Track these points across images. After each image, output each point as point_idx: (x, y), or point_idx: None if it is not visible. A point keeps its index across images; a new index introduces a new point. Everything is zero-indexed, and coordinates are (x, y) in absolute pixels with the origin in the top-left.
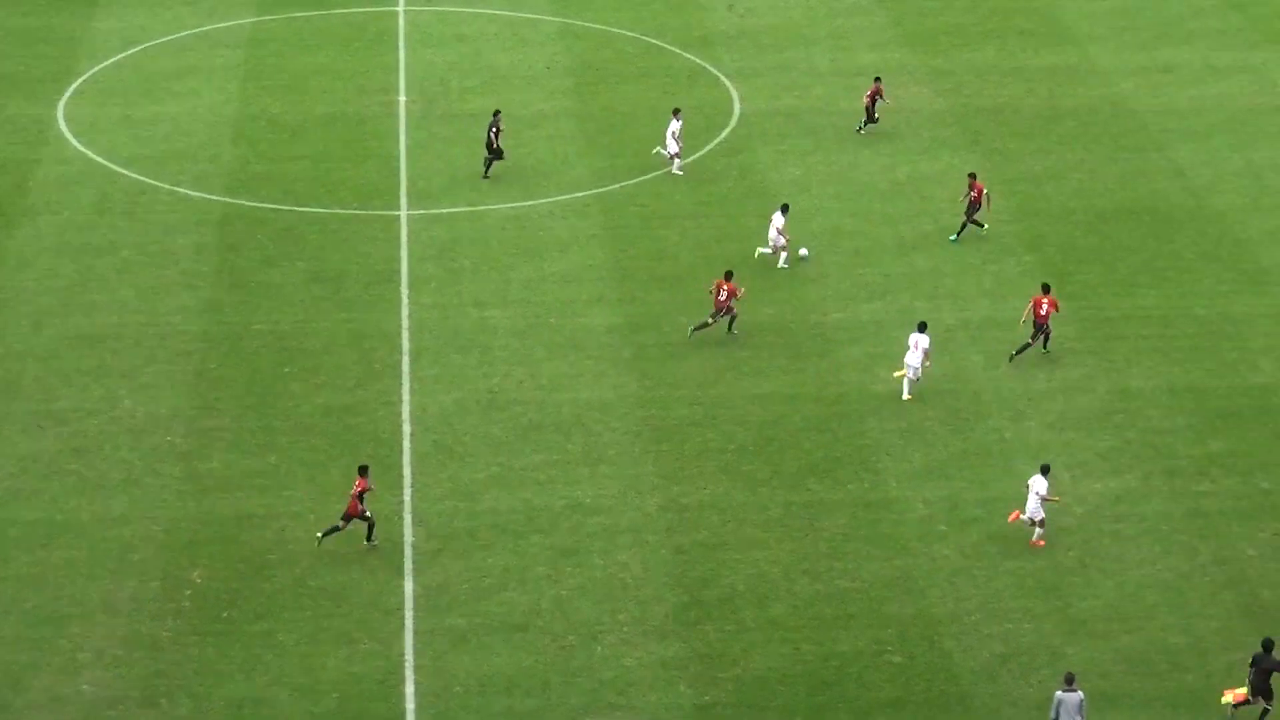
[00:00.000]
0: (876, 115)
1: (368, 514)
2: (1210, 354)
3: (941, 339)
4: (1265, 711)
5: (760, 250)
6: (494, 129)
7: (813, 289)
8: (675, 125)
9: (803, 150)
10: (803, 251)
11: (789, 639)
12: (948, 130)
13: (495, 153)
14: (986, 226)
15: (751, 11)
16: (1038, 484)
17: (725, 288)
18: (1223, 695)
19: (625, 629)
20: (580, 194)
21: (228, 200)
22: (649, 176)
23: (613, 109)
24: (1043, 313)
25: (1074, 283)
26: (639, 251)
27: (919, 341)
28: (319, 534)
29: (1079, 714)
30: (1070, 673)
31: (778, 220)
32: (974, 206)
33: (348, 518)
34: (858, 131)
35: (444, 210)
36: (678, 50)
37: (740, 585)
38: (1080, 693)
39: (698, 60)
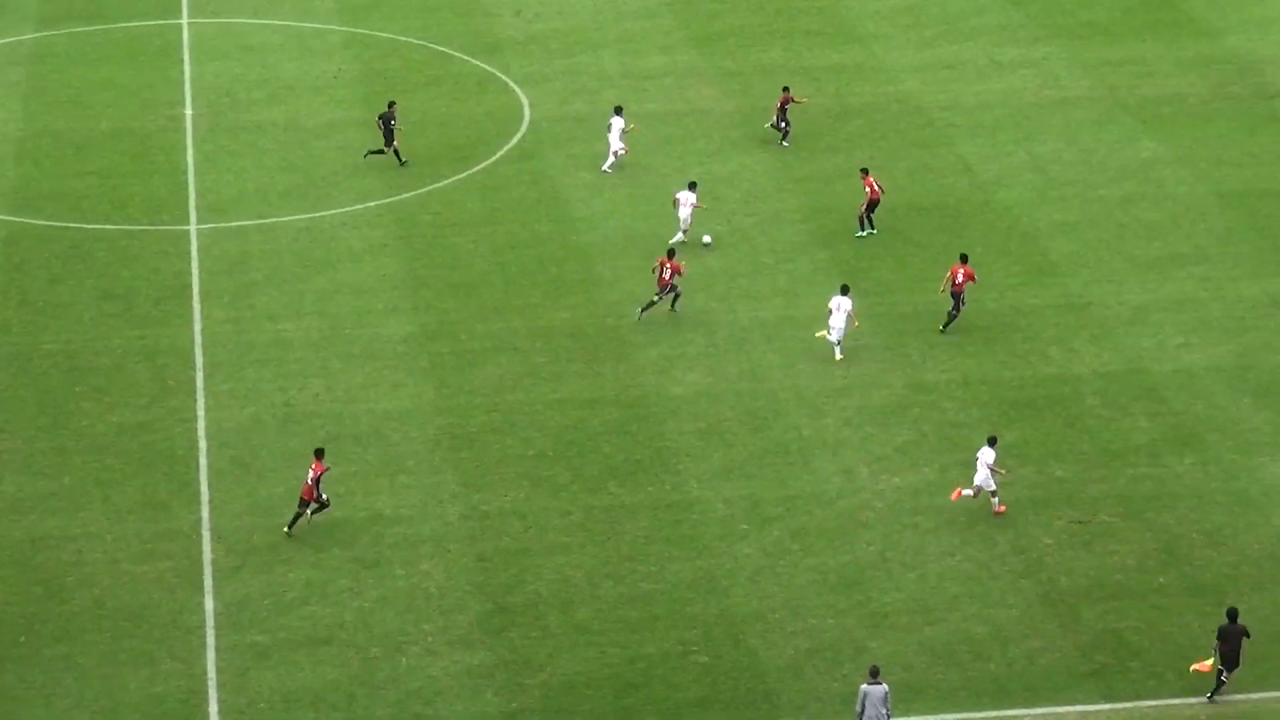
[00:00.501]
0: (787, 122)
1: (324, 497)
2: (1002, 346)
3: (737, 339)
4: (1221, 682)
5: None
6: (391, 119)
7: (608, 292)
8: (619, 121)
9: (595, 154)
10: (706, 239)
11: (594, 643)
12: (737, 131)
13: (388, 140)
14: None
15: (539, 17)
16: (985, 455)
17: (669, 265)
18: (1191, 668)
19: (430, 639)
20: (372, 203)
21: (12, 219)
22: (441, 184)
23: (402, 117)
24: (959, 282)
25: (866, 279)
26: (432, 260)
27: (841, 304)
28: (286, 527)
29: (884, 706)
30: (874, 666)
31: (689, 197)
32: (873, 203)
33: (304, 502)
34: (781, 144)
35: (234, 223)
36: (466, 57)
37: (544, 591)
38: (885, 685)
39: (486, 67)
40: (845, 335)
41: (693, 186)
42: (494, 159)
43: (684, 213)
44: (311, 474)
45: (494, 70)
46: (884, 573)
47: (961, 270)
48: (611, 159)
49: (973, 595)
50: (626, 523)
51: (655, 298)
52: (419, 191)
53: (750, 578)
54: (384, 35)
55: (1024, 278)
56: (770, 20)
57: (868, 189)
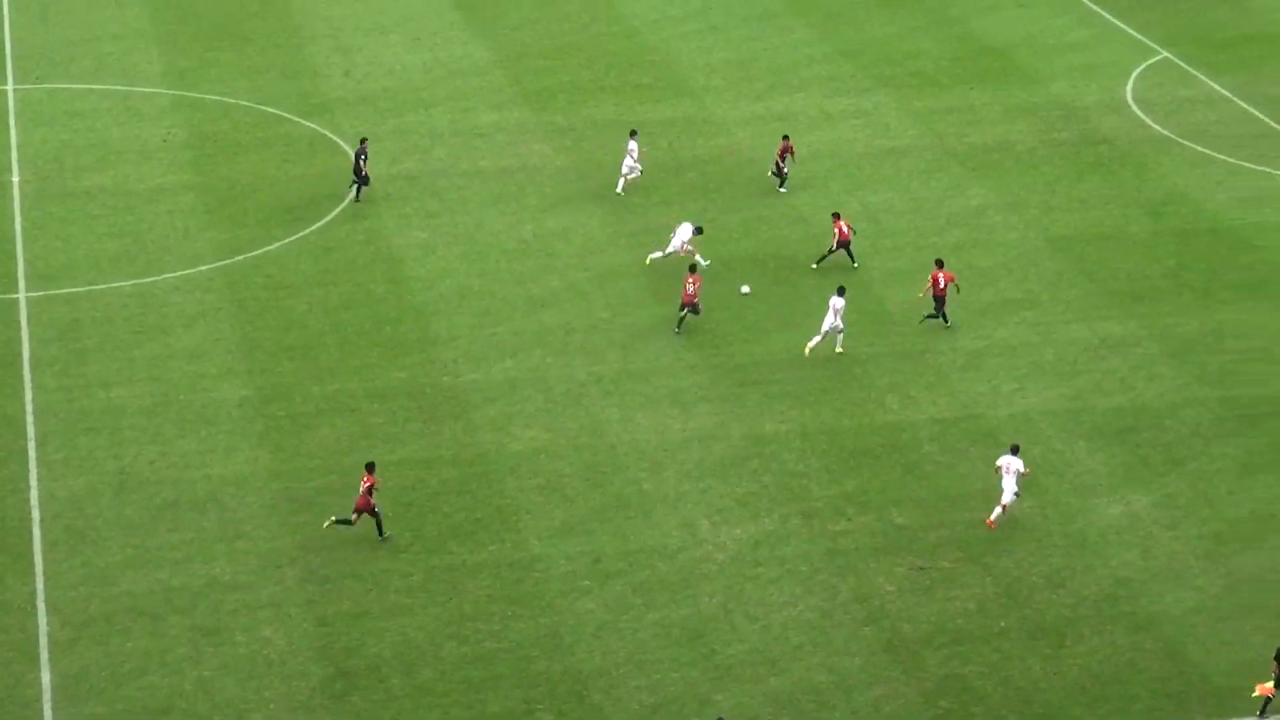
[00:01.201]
0: (785, 171)
1: (377, 509)
2: (840, 394)
3: (575, 394)
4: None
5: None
6: (362, 156)
7: (444, 350)
8: (633, 146)
9: (427, 212)
10: (744, 289)
11: (438, 704)
12: (570, 187)
13: (362, 179)
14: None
15: (369, 76)
16: (1015, 463)
17: (691, 280)
18: (1253, 691)
19: (272, 706)
20: (204, 267)
21: None
22: (274, 247)
23: (233, 180)
24: (941, 287)
25: (703, 332)
26: (267, 323)
27: (835, 304)
28: (332, 519)
29: None
30: (720, 717)
31: (684, 232)
32: (843, 243)
33: (358, 511)
34: (779, 190)
35: (64, 290)
36: (297, 118)
37: (387, 653)
38: None
39: (317, 128)
40: (836, 329)
41: (699, 230)
42: (326, 220)
43: (674, 242)
44: (364, 485)
45: (324, 130)
46: (727, 624)
47: (941, 275)
48: (622, 181)
49: (816, 644)
50: (468, 582)
51: (685, 314)
52: (252, 254)
53: (593, 634)
54: (212, 98)
55: (859, 326)
56: (601, 75)
57: (837, 231)
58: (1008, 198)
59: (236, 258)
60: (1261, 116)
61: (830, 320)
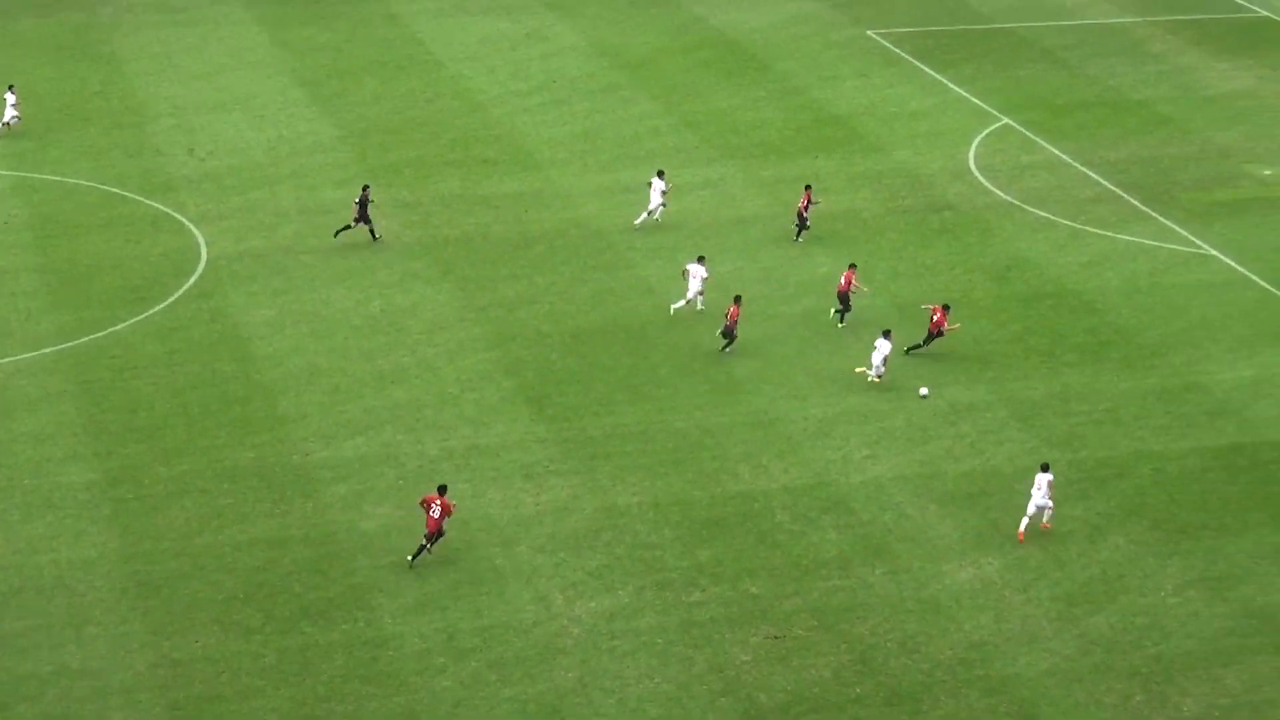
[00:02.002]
0: (808, 220)
1: (432, 537)
2: (692, 465)
3: (426, 470)
4: None
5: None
6: (366, 201)
7: (293, 428)
8: (659, 184)
9: (274, 290)
10: (923, 391)
11: None
12: (419, 262)
13: (365, 220)
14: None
15: (213, 154)
16: (1043, 480)
17: (731, 311)
18: None
19: None
20: (47, 350)
21: None
22: (119, 328)
23: (76, 261)
24: (842, 283)
25: (554, 405)
26: (113, 404)
27: (881, 346)
28: (409, 559)
29: None
30: None
31: (699, 270)
32: (843, 295)
33: (429, 536)
34: (795, 241)
35: None
36: (140, 198)
37: None
38: None
39: (161, 207)
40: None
41: (701, 260)
42: (172, 299)
43: (693, 285)
44: (438, 508)
45: (168, 209)
46: (583, 699)
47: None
48: (644, 215)
49: (673, 717)
50: (321, 662)
51: (725, 339)
52: (96, 335)
53: (449, 712)
54: (54, 179)
55: (710, 396)
56: (446, 150)
57: (843, 279)
58: (856, 265)
59: (81, 339)
60: (1101, 180)
61: (878, 361)
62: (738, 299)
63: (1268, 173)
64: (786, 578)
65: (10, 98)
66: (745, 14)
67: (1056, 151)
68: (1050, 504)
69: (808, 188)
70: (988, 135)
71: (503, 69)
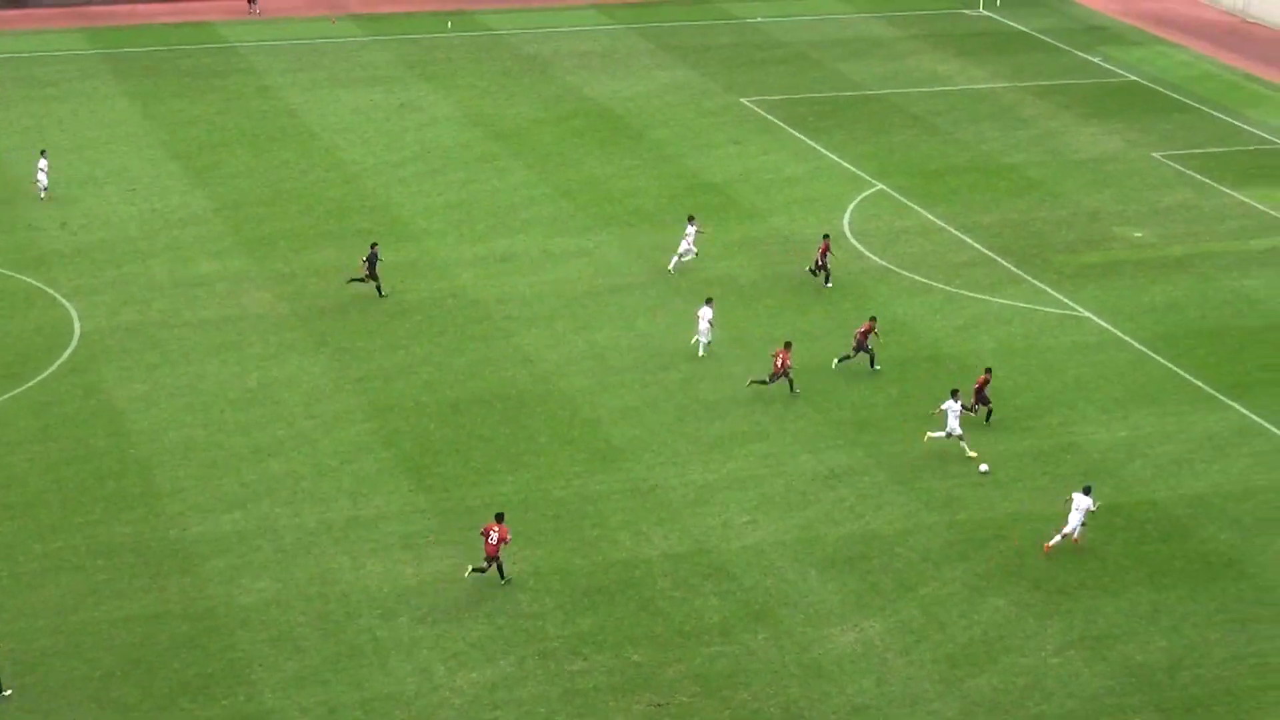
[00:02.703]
0: (828, 268)
1: (499, 559)
2: (572, 533)
3: (305, 543)
4: None
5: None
6: (375, 259)
7: (169, 503)
8: (691, 230)
9: (148, 364)
10: (984, 468)
11: None
12: (294, 334)
13: (373, 275)
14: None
15: (85, 228)
16: (1083, 502)
17: (782, 355)
18: None
19: None
20: None
21: None
22: None
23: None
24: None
25: (432, 475)
26: None
27: (951, 407)
28: (470, 568)
29: None
30: None
31: (707, 313)
32: (861, 344)
33: (489, 559)
34: (825, 286)
35: None
36: (10, 272)
37: None
38: None
39: (33, 282)
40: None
41: (710, 301)
42: (45, 375)
43: (703, 324)
44: (497, 536)
45: (40, 284)
46: None
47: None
48: (676, 259)
49: None
50: None
51: (766, 380)
52: None
53: None
54: None
55: (589, 465)
56: (321, 222)
57: (864, 327)
58: (732, 331)
59: None
60: (974, 244)
61: (951, 423)
62: (788, 345)
63: (1138, 235)
64: (669, 645)
65: (42, 163)
66: (619, 83)
67: (930, 216)
68: (1081, 526)
69: (825, 236)
70: (862, 200)
71: (377, 140)
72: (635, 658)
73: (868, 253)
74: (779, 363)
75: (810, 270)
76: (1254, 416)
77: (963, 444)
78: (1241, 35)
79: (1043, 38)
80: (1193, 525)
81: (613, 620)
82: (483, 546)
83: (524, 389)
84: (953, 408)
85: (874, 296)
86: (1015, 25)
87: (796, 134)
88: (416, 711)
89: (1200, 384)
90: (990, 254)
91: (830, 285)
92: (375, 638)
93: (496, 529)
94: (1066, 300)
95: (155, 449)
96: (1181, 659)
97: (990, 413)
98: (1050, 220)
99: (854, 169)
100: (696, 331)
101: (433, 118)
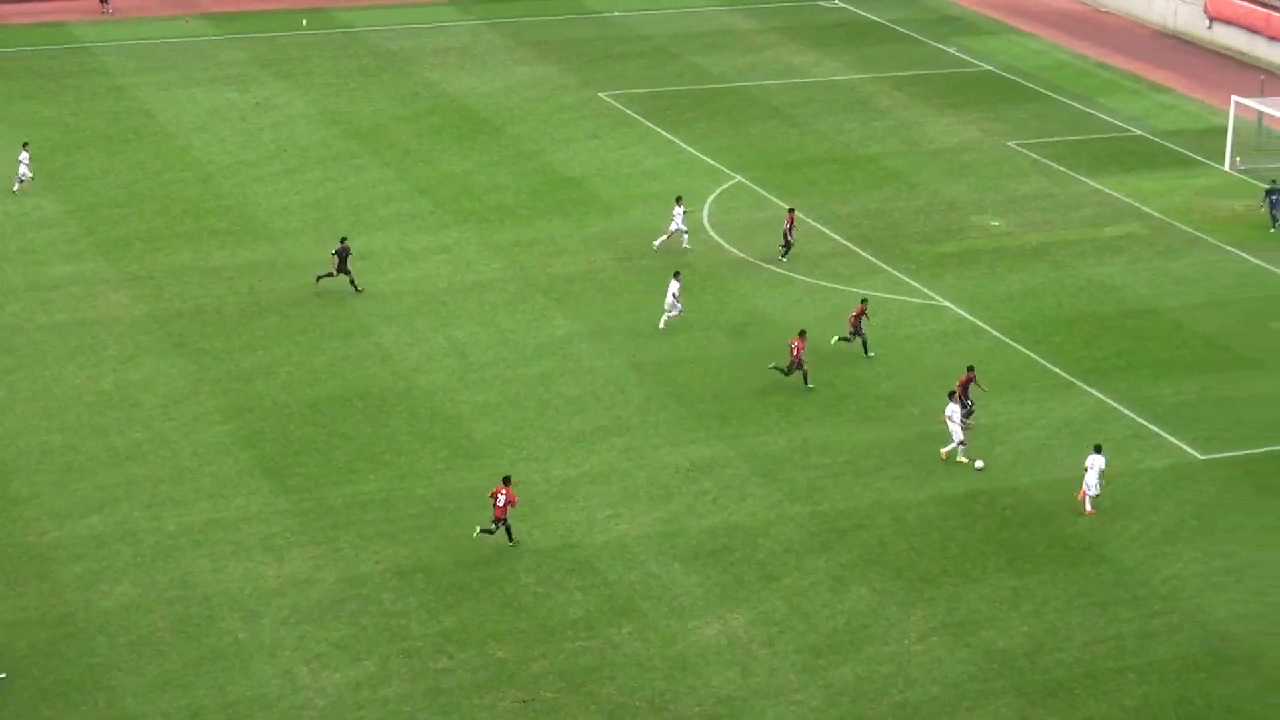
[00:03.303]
0: (792, 241)
1: (507, 522)
2: (435, 531)
3: (165, 547)
4: None
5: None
6: (345, 253)
7: (25, 509)
8: (678, 210)
9: (2, 369)
10: (979, 464)
11: None
12: (150, 336)
13: (344, 270)
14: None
15: None
16: (1096, 461)
17: (797, 344)
18: None
19: None
20: None
21: None
22: None
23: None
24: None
25: (293, 476)
26: None
27: (952, 411)
28: (478, 529)
29: None
30: None
31: (673, 286)
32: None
33: (496, 521)
34: (780, 259)
35: None
36: None
37: None
38: None
39: None
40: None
41: (677, 275)
42: None
43: (669, 300)
44: (504, 498)
45: None
46: None
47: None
48: (662, 239)
49: None
50: None
51: (785, 370)
52: None
53: None
54: None
55: (451, 462)
56: (176, 223)
57: (856, 310)
58: (593, 325)
59: None
60: (833, 235)
61: (956, 430)
62: (802, 333)
63: (995, 223)
64: (533, 640)
65: (24, 156)
66: (476, 79)
67: (788, 207)
68: (1096, 487)
69: (790, 210)
70: (721, 193)
71: (232, 139)
72: (500, 654)
73: (727, 245)
74: (795, 351)
75: (781, 245)
76: (1111, 402)
77: (961, 446)
78: (1093, 24)
79: (898, 28)
80: (1053, 510)
81: (476, 617)
82: (491, 509)
83: (384, 387)
84: (954, 413)
85: (734, 289)
86: (871, 16)
87: (655, 127)
88: (280, 714)
89: (1058, 370)
90: (849, 245)
91: (786, 260)
92: (237, 640)
93: (504, 491)
94: (925, 290)
95: (10, 454)
96: (1043, 643)
97: (971, 412)
98: (908, 210)
99: (712, 162)
100: (670, 305)
101: (289, 116)
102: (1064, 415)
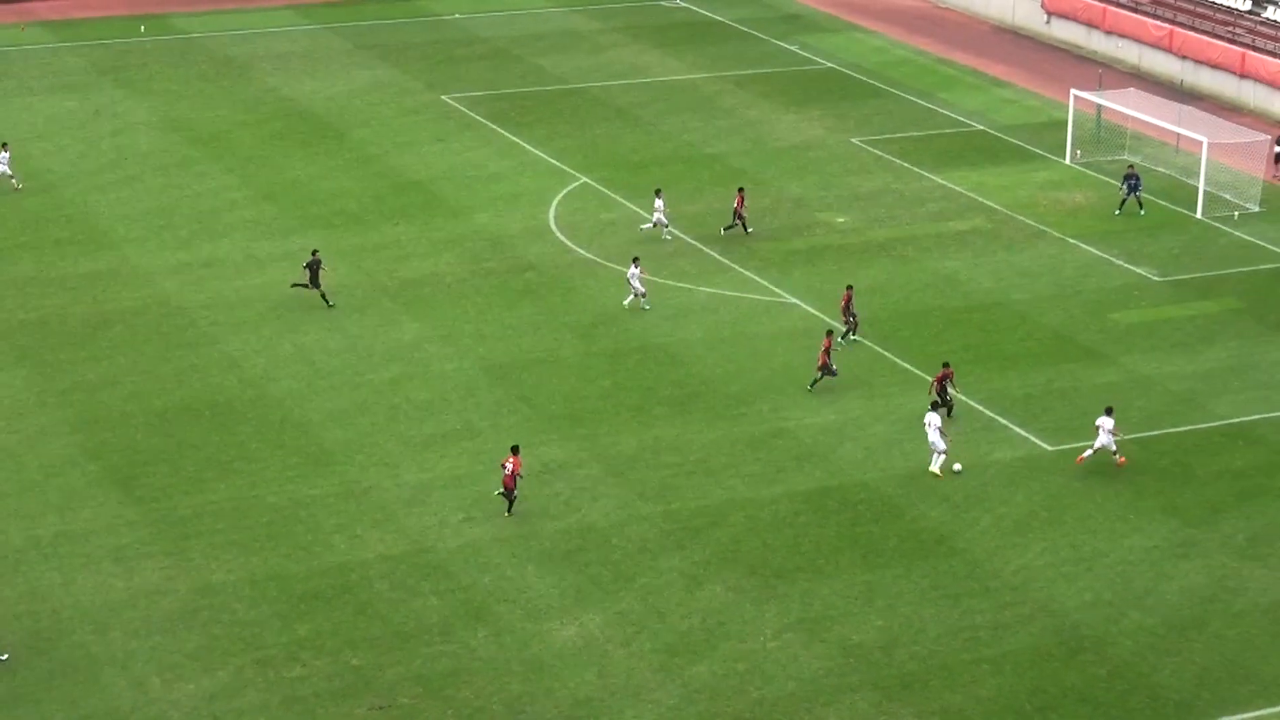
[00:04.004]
0: (745, 217)
1: (514, 492)
2: (286, 539)
3: (12, 560)
4: None
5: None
6: (317, 265)
7: None
8: (659, 203)
9: None
10: (957, 467)
11: None
12: None
13: (314, 284)
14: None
15: None
16: (1106, 423)
17: (826, 343)
18: None
19: None
20: None
21: None
22: None
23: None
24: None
25: (142, 486)
26: None
27: (931, 419)
28: (505, 501)
29: None
30: None
31: (634, 272)
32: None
33: (508, 489)
34: (723, 231)
35: None
36: None
37: None
38: None
39: None
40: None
41: (635, 259)
42: None
43: (632, 279)
44: (512, 468)
45: None
46: None
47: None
48: (649, 225)
49: None
50: None
51: (819, 374)
52: None
53: None
54: None
55: (301, 469)
56: (16, 233)
57: (843, 296)
58: (441, 329)
59: None
60: (680, 234)
61: (938, 440)
62: (830, 333)
63: (841, 220)
64: (389, 647)
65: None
66: (318, 84)
67: (635, 208)
68: (1114, 446)
69: (740, 190)
70: (567, 194)
71: (72, 147)
72: (355, 661)
73: (574, 246)
74: (824, 351)
75: (730, 227)
76: (960, 395)
77: (942, 456)
78: (933, 20)
79: (740, 27)
80: (904, 505)
81: (330, 625)
82: (502, 478)
83: (233, 395)
84: (933, 420)
85: (581, 290)
86: (712, 15)
87: (499, 130)
88: None
89: (907, 365)
90: (696, 244)
91: (751, 231)
92: (89, 653)
93: (511, 460)
94: (773, 287)
95: None
96: (897, 637)
97: (951, 408)
98: (754, 208)
99: (558, 163)
100: (633, 291)
101: (129, 123)
102: (913, 410)
